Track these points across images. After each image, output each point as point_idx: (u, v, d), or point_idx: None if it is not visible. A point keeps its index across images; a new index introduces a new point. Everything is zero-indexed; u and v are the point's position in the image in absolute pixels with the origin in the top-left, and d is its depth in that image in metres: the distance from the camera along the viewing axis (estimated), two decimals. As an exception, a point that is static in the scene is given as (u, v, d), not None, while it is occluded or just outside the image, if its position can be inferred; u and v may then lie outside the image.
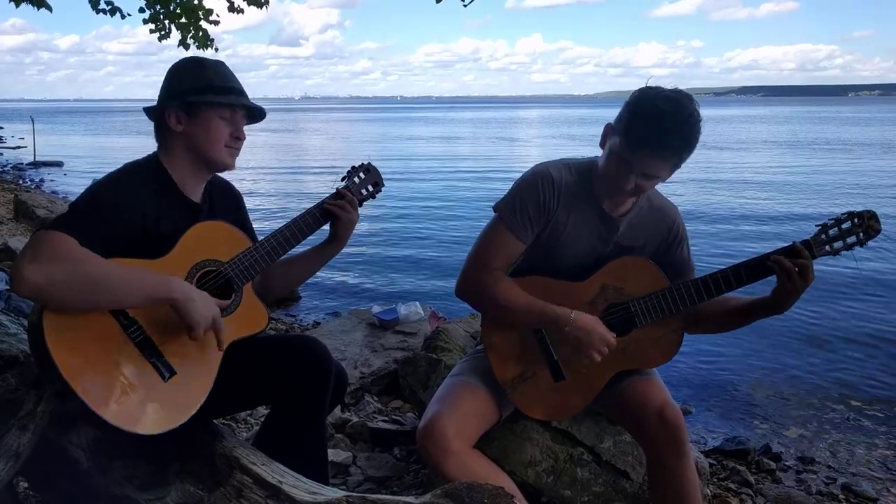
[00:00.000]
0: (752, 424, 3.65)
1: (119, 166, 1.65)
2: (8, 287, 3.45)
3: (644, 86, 1.73)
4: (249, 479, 1.46)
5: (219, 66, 1.70)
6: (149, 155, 1.70)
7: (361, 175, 1.94)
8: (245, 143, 1.76)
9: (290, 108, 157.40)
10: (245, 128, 1.75)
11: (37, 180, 15.17)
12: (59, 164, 18.92)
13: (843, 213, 1.72)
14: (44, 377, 1.60)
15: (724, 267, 1.79)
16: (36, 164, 18.35)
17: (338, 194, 1.86)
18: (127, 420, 1.44)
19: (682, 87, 1.72)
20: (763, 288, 1.77)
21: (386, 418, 3.11)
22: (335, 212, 1.83)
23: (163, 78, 1.72)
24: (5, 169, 17.31)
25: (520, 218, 1.82)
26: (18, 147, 24.50)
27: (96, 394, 1.42)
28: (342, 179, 1.92)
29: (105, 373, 1.45)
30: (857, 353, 4.66)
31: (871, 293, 6.07)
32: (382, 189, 1.99)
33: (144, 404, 1.48)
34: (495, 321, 1.92)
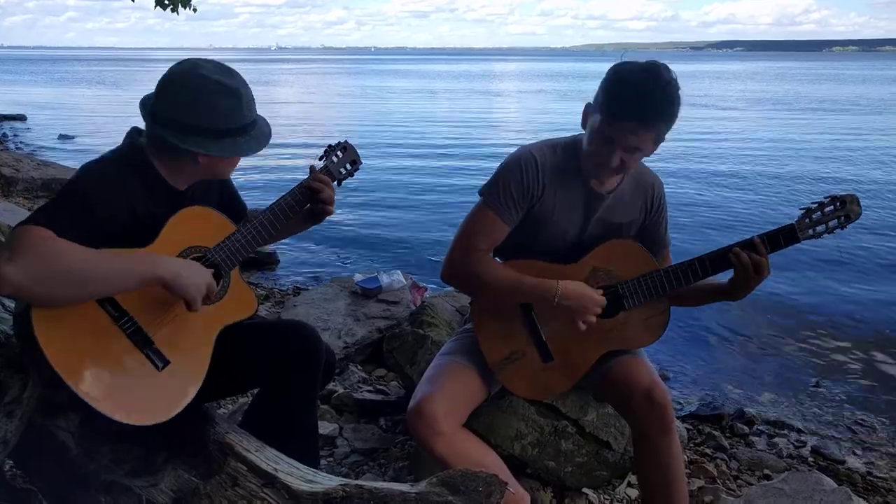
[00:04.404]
0: (727, 389, 3.75)
1: (99, 156, 1.58)
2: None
3: (619, 62, 1.73)
4: (244, 467, 1.46)
5: (230, 94, 1.56)
6: (129, 144, 1.62)
7: (339, 154, 1.90)
8: None
9: (267, 58, 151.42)
10: None
11: (-1, 136, 14.59)
12: (21, 118, 18.14)
13: (825, 197, 1.76)
14: (35, 370, 1.57)
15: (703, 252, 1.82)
16: (-4, 118, 17.60)
17: (316, 174, 1.83)
18: (123, 413, 1.43)
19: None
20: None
21: (370, 388, 3.13)
22: (316, 187, 1.78)
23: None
24: (-38, 125, 16.54)
25: (504, 202, 1.82)
26: (-26, 100, 23.34)
27: (91, 387, 1.40)
28: (320, 159, 1.89)
29: (99, 366, 1.44)
30: (826, 323, 4.77)
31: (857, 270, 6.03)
32: (360, 167, 1.96)
33: (140, 396, 1.48)
34: (484, 302, 1.93)
